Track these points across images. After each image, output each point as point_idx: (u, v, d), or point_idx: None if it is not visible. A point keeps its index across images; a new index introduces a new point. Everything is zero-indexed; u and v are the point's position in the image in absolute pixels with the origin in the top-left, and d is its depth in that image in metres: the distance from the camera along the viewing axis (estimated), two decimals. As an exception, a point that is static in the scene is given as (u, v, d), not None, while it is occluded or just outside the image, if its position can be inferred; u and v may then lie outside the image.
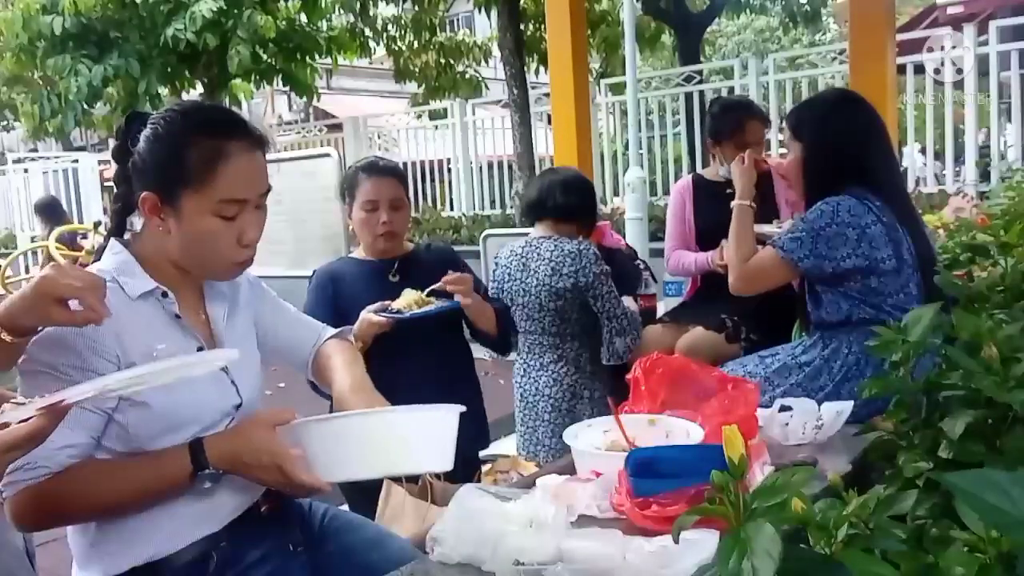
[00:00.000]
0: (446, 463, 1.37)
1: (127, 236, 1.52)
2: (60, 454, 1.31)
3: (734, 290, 2.29)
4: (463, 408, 1.41)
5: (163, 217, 1.41)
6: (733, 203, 2.42)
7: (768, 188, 2.99)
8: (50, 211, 8.35)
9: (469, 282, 2.36)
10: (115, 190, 1.51)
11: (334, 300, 2.40)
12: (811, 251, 2.08)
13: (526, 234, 2.91)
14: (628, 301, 2.97)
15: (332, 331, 1.78)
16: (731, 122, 3.04)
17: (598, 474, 1.57)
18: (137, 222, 1.50)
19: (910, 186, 6.90)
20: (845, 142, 2.17)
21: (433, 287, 2.31)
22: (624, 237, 5.14)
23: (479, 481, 2.51)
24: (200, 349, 1.46)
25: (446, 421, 1.38)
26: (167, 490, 1.37)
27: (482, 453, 2.71)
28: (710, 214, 3.09)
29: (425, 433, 1.37)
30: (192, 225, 1.40)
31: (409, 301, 2.27)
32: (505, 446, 3.29)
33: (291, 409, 1.40)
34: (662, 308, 3.32)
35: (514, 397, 2.90)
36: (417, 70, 12.22)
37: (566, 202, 2.78)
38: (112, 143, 1.49)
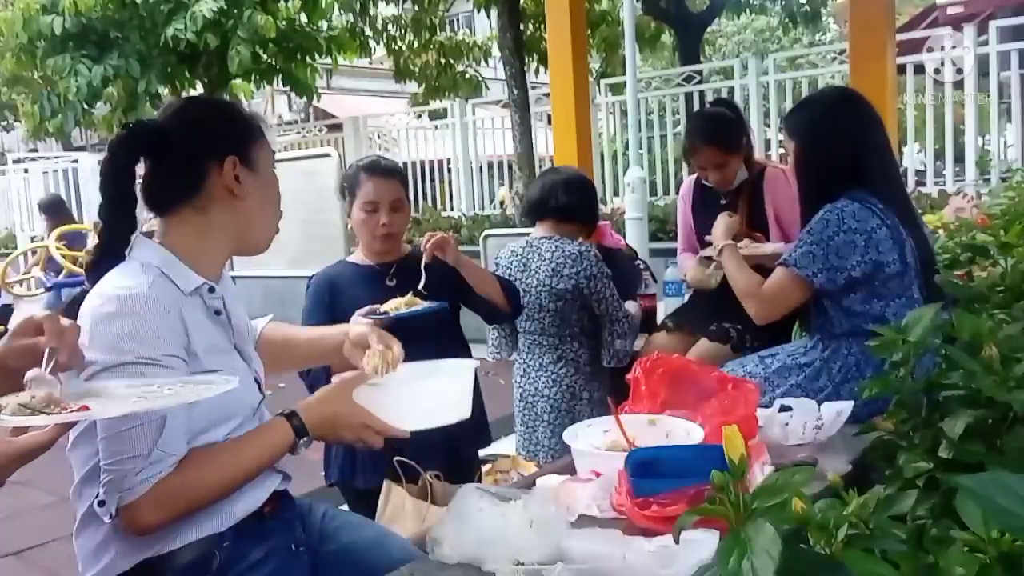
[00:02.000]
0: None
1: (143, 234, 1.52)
2: (183, 440, 1.34)
3: (759, 320, 2.27)
4: (476, 362, 1.66)
5: (241, 180, 1.49)
6: (717, 247, 2.48)
7: (757, 195, 2.96)
8: (55, 210, 8.29)
9: (448, 240, 2.34)
10: (116, 190, 1.47)
11: (331, 305, 2.39)
12: (823, 264, 2.06)
13: (526, 234, 2.91)
14: (632, 306, 2.97)
15: (263, 320, 1.83)
16: (686, 143, 3.02)
17: (598, 474, 1.57)
18: (157, 221, 1.51)
19: (910, 186, 6.90)
20: (839, 141, 2.15)
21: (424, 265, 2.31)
22: (624, 237, 5.14)
23: (479, 481, 2.51)
24: (232, 346, 1.51)
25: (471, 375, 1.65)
26: (273, 462, 1.47)
27: (482, 453, 2.70)
28: (706, 221, 3.08)
29: (466, 388, 1.61)
30: (265, 176, 1.55)
31: (398, 303, 2.26)
32: (505, 446, 3.28)
33: (362, 372, 1.54)
34: (662, 308, 3.32)
35: (513, 397, 2.90)
36: (417, 70, 12.22)
37: (567, 202, 2.77)
38: (111, 146, 1.47)
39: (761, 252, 2.60)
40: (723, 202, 3.01)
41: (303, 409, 1.47)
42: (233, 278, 1.72)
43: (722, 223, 2.58)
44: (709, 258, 2.86)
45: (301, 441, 1.45)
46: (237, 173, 1.48)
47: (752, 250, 2.59)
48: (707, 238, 2.75)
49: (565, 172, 2.96)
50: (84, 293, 1.41)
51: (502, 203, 10.07)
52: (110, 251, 1.46)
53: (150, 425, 1.30)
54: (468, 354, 2.55)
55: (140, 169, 1.50)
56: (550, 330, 2.76)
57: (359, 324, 2.22)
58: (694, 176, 3.18)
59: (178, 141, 1.47)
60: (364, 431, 1.48)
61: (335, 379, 1.62)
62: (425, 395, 1.58)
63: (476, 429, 2.55)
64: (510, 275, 2.79)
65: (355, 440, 1.51)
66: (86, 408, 1.09)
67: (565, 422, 2.54)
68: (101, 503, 1.32)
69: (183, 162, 1.47)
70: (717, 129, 2.95)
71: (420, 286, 2.29)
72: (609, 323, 2.72)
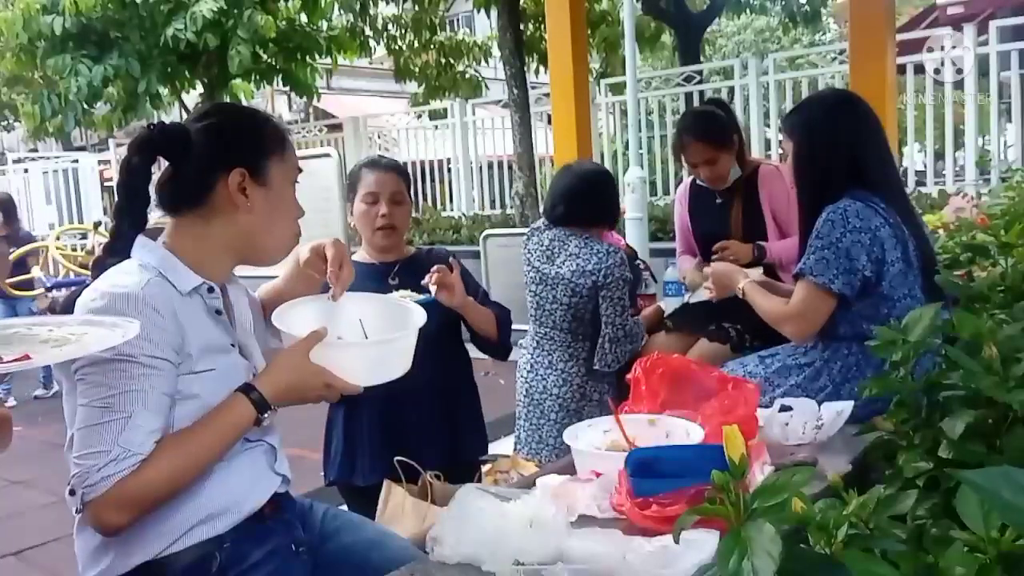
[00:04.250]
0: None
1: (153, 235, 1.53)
2: (149, 439, 1.32)
3: (799, 339, 2.20)
4: (422, 320, 1.66)
5: (248, 193, 1.48)
6: (740, 288, 2.37)
7: (752, 193, 2.96)
8: (6, 209, 7.92)
9: (448, 275, 2.29)
10: (129, 189, 1.49)
11: None
12: (837, 268, 2.03)
13: (525, 234, 2.88)
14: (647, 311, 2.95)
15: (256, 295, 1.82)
16: (676, 141, 3.02)
17: (598, 474, 1.57)
18: (164, 221, 1.51)
19: (910, 186, 6.90)
20: (838, 142, 2.14)
21: (423, 282, 2.30)
22: (624, 237, 5.14)
23: (479, 481, 2.51)
24: (232, 345, 1.50)
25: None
26: (236, 440, 1.43)
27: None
28: (703, 222, 3.08)
29: (413, 342, 1.62)
30: (279, 193, 1.53)
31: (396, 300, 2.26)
32: (505, 446, 3.28)
33: (318, 332, 1.50)
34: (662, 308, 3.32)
35: (517, 393, 2.86)
36: (417, 70, 12.22)
37: (590, 212, 2.70)
38: (131, 146, 1.49)
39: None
40: (719, 201, 3.01)
41: (261, 381, 1.44)
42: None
43: (722, 273, 2.47)
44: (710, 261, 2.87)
45: (264, 415, 1.42)
46: (244, 186, 1.47)
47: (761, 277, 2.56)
48: (706, 270, 2.72)
49: (579, 170, 2.81)
50: (83, 290, 1.42)
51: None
52: (115, 249, 1.48)
53: (120, 421, 1.30)
54: (466, 354, 2.55)
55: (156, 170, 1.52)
56: (562, 325, 2.71)
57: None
58: (690, 179, 3.19)
59: (192, 147, 1.47)
60: (326, 390, 1.49)
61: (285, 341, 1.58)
62: (375, 354, 1.59)
63: (474, 434, 2.54)
64: (529, 262, 2.74)
65: (320, 397, 1.52)
66: (27, 357, 1.10)
67: (572, 422, 2.50)
68: (72, 492, 1.32)
69: (193, 169, 1.48)
70: (705, 124, 2.97)
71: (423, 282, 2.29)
72: (606, 324, 2.67)
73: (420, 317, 1.67)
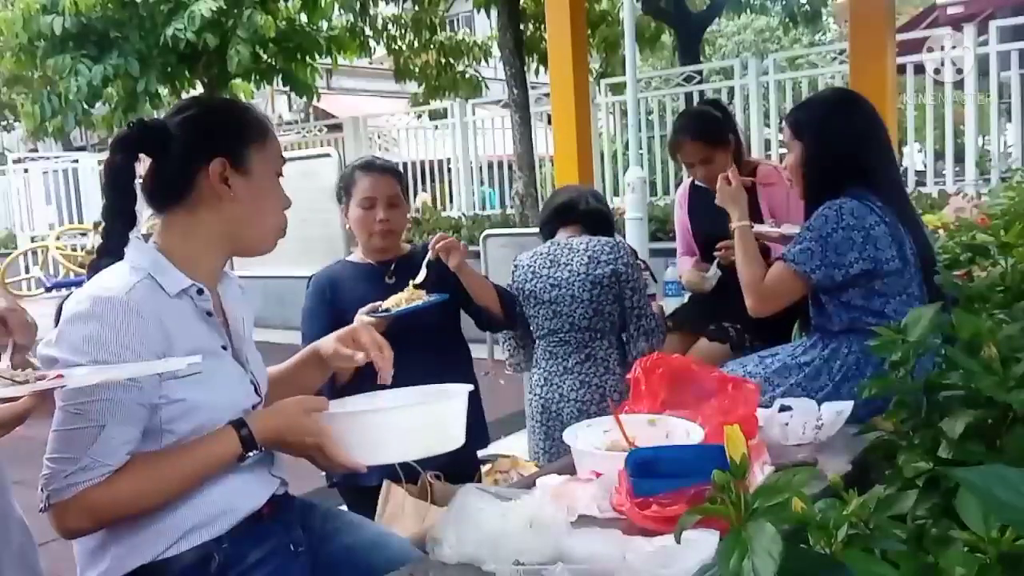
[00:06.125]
0: (463, 438, 1.55)
1: (140, 234, 1.52)
2: (121, 450, 1.32)
3: (754, 313, 2.24)
4: (471, 387, 1.61)
5: (230, 183, 1.47)
6: (733, 226, 2.38)
7: (751, 193, 2.95)
8: None
9: (457, 246, 2.34)
10: (115, 189, 1.49)
11: (332, 304, 2.39)
12: (821, 261, 2.06)
13: (526, 234, 2.89)
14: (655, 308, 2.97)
15: None
16: (672, 140, 3.05)
17: (598, 474, 1.57)
18: (155, 220, 1.51)
19: (910, 186, 6.90)
20: (844, 142, 2.16)
21: (427, 259, 2.32)
22: (624, 237, 5.14)
23: (479, 481, 2.51)
24: (224, 347, 1.49)
25: (464, 403, 1.56)
26: (216, 472, 1.41)
27: (481, 453, 2.69)
28: (703, 222, 3.08)
29: (450, 418, 1.54)
30: (261, 182, 1.51)
31: (399, 299, 2.26)
32: (505, 446, 3.29)
33: (324, 399, 1.50)
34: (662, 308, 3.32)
35: (531, 412, 2.80)
36: (417, 70, 12.21)
37: (599, 208, 2.77)
38: (112, 144, 1.49)
39: (768, 234, 2.59)
40: (717, 202, 3.01)
41: (254, 419, 1.43)
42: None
43: (729, 198, 2.46)
44: (708, 265, 2.87)
45: (251, 453, 1.40)
46: (226, 175, 1.47)
47: (759, 229, 2.58)
48: (718, 253, 2.73)
49: (587, 186, 2.96)
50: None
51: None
52: (109, 249, 1.47)
53: (93, 430, 1.29)
54: (467, 353, 2.55)
55: (141, 168, 1.51)
56: (580, 324, 2.66)
57: (360, 323, 2.22)
58: (690, 179, 3.20)
59: (173, 140, 1.47)
60: (315, 451, 1.43)
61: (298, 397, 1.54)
62: (408, 424, 1.50)
63: (475, 429, 2.53)
64: (534, 273, 2.71)
65: (310, 459, 1.46)
66: (61, 376, 1.11)
67: None
68: (41, 489, 1.32)
69: (175, 161, 1.47)
70: (700, 124, 3.00)
71: (418, 280, 2.29)
72: (636, 317, 2.65)
73: (463, 387, 1.61)
